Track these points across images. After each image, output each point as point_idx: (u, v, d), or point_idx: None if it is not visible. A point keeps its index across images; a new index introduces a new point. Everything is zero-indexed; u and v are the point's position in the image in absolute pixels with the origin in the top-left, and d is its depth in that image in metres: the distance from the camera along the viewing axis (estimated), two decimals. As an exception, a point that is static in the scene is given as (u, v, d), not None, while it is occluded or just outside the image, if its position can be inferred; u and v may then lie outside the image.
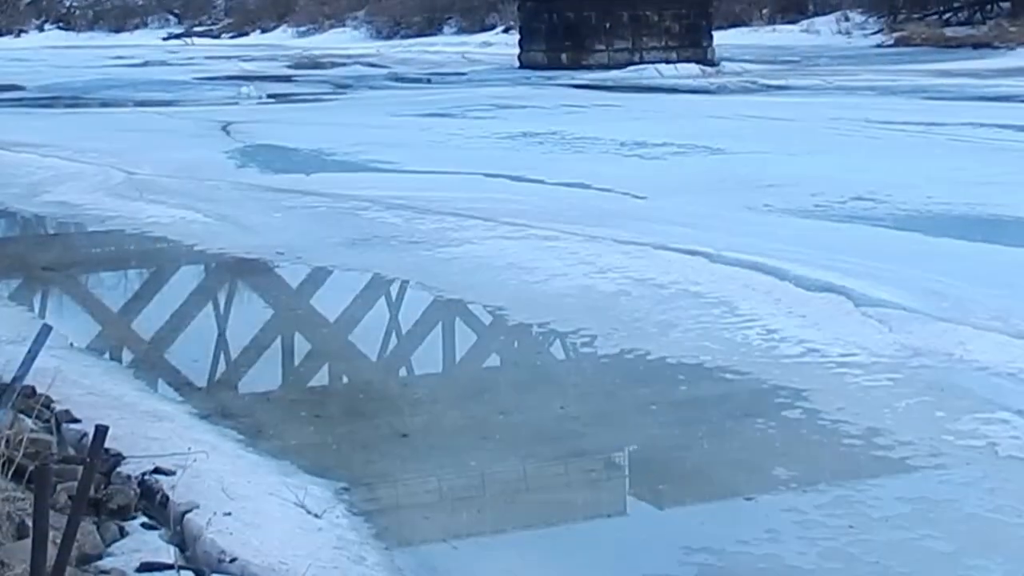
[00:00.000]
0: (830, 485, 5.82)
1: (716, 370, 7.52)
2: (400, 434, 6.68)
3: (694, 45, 36.87)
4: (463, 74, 35.92)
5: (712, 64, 35.16)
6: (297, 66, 41.37)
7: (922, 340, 7.74)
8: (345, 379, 8.27)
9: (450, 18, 57.43)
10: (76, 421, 6.31)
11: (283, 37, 61.28)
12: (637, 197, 13.40)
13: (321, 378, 8.20)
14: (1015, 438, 6.19)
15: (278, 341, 8.93)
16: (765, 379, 7.29)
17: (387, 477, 6.11)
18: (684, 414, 6.95)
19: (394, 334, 9.07)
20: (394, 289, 10.06)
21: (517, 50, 38.67)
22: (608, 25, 36.84)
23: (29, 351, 5.30)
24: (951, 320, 8.11)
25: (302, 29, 62.06)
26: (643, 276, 9.56)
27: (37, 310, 9.88)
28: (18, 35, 68.51)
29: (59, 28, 71.15)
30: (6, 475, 5.10)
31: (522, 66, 37.32)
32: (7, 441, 5.26)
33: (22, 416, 6.00)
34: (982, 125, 18.93)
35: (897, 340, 7.78)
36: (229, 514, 5.16)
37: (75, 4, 73.69)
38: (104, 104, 28.39)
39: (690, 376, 7.49)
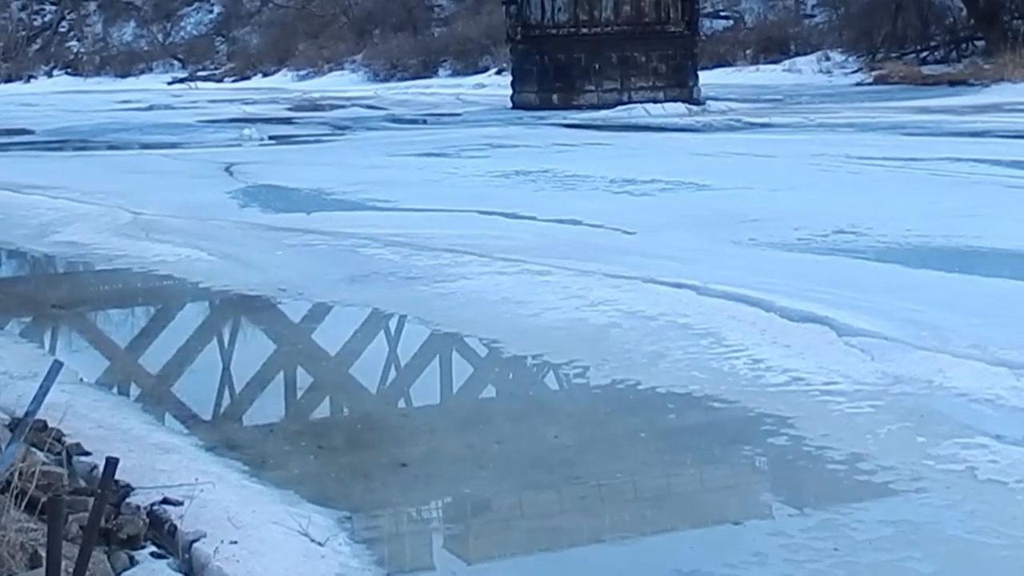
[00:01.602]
0: (815, 509, 5.84)
1: (704, 399, 7.54)
2: (400, 463, 6.69)
3: (680, 85, 36.99)
4: (458, 115, 36.01)
5: (698, 103, 35.27)
6: (297, 108, 41.46)
7: (903, 368, 7.77)
8: (346, 411, 8.29)
9: (445, 61, 57.57)
10: (87, 454, 6.33)
11: (283, 80, 61.40)
12: (626, 232, 13.45)
13: (323, 410, 8.22)
14: (993, 462, 6.21)
15: (281, 375, 8.94)
16: (751, 407, 7.31)
17: (388, 505, 6.13)
18: (673, 442, 6.97)
19: (393, 367, 9.10)
20: (392, 323, 10.09)
21: (510, 91, 38.77)
22: (597, 66, 36.97)
23: (41, 386, 5.31)
24: (930, 349, 8.14)
25: (302, 73, 62.19)
26: (633, 309, 9.59)
27: (48, 347, 9.89)
28: (27, 81, 68.61)
29: (67, 74, 71.27)
30: (20, 506, 5.11)
31: (515, 107, 37.43)
32: (20, 474, 5.27)
33: (34, 449, 6.02)
34: (958, 160, 19.00)
35: (878, 368, 7.81)
36: (235, 542, 5.17)
37: (82, 50, 73.83)
38: (111, 147, 28.44)
39: (679, 405, 7.52)
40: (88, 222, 15.36)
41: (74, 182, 19.63)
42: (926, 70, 42.10)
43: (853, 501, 5.89)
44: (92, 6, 74.49)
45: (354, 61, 61.13)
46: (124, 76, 69.34)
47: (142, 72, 69.92)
